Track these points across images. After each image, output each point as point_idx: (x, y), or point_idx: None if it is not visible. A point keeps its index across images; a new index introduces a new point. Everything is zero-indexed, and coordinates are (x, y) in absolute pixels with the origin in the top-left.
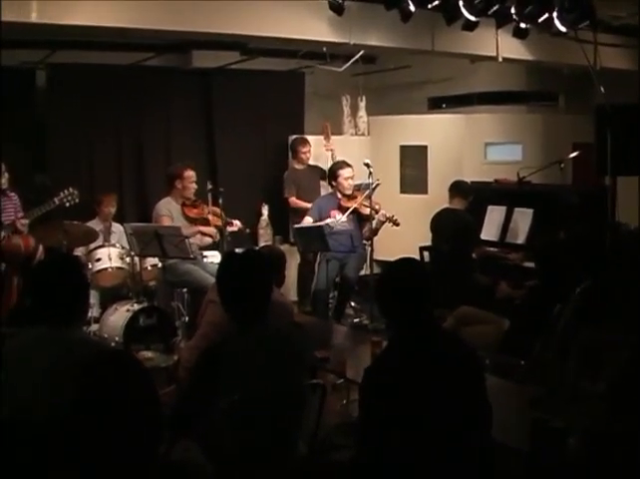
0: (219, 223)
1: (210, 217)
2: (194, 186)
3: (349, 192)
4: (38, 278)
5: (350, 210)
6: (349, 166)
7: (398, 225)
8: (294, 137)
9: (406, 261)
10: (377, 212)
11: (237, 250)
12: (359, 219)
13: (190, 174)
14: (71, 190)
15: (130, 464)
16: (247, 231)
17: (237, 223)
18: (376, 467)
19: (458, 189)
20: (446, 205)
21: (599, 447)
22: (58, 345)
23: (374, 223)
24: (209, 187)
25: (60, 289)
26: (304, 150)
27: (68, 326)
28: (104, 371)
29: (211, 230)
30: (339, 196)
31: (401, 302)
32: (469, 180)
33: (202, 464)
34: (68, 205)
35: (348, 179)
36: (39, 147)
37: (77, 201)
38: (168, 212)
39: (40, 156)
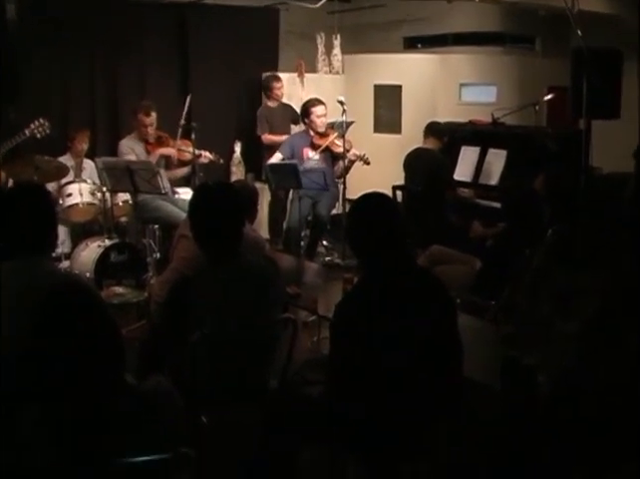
0: (189, 157)
1: (178, 151)
2: (150, 130)
3: (322, 129)
4: (1, 210)
5: (322, 147)
6: (322, 103)
7: (368, 163)
8: (267, 74)
9: (375, 195)
10: (348, 150)
11: (210, 183)
12: (332, 157)
13: (144, 118)
14: (41, 121)
15: (95, 392)
16: (221, 161)
17: (207, 154)
18: (346, 401)
19: (432, 129)
20: (419, 144)
21: (569, 385)
22: (25, 277)
23: (345, 161)
24: (182, 122)
25: (25, 219)
26: (277, 86)
27: (36, 257)
28: (61, 301)
29: (170, 150)
30: (312, 133)
31: (370, 234)
32: (443, 120)
33: (173, 395)
34: (39, 136)
35: (321, 116)
36: (9, 82)
37: (48, 132)
38: (131, 149)
39: (10, 90)
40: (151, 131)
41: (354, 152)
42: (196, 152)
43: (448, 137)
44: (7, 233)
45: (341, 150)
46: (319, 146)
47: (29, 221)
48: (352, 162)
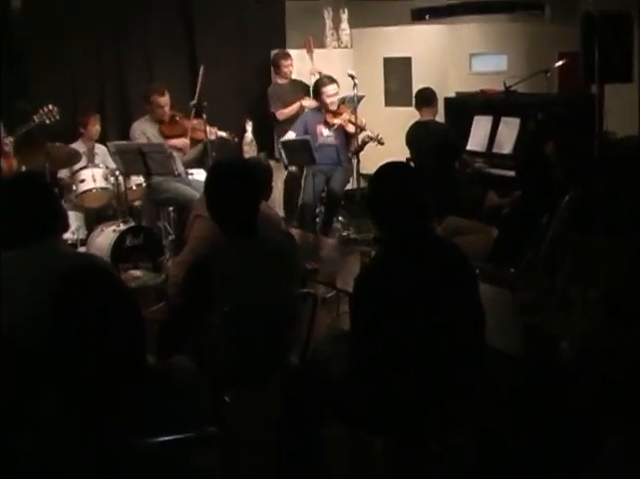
0: (203, 135)
1: (192, 130)
2: (164, 111)
3: (334, 108)
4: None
5: (335, 126)
6: (333, 82)
7: (382, 144)
8: (275, 51)
9: (398, 164)
10: (362, 129)
11: (224, 159)
12: (345, 134)
13: (159, 99)
14: (50, 107)
15: (117, 374)
16: (235, 140)
17: (219, 132)
18: (369, 375)
19: (421, 99)
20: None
21: (592, 351)
22: (37, 263)
23: (359, 139)
24: (192, 102)
25: (20, 206)
26: (286, 63)
27: (42, 242)
28: (77, 284)
29: (183, 141)
30: (324, 111)
31: (395, 203)
32: (454, 91)
33: (195, 375)
34: (48, 122)
35: (331, 95)
36: (18, 72)
37: (57, 117)
38: (142, 133)
39: (19, 81)
40: (167, 110)
41: (367, 134)
42: (209, 129)
43: (459, 107)
44: (8, 224)
45: (354, 129)
46: (332, 124)
47: (24, 207)
48: (365, 142)
